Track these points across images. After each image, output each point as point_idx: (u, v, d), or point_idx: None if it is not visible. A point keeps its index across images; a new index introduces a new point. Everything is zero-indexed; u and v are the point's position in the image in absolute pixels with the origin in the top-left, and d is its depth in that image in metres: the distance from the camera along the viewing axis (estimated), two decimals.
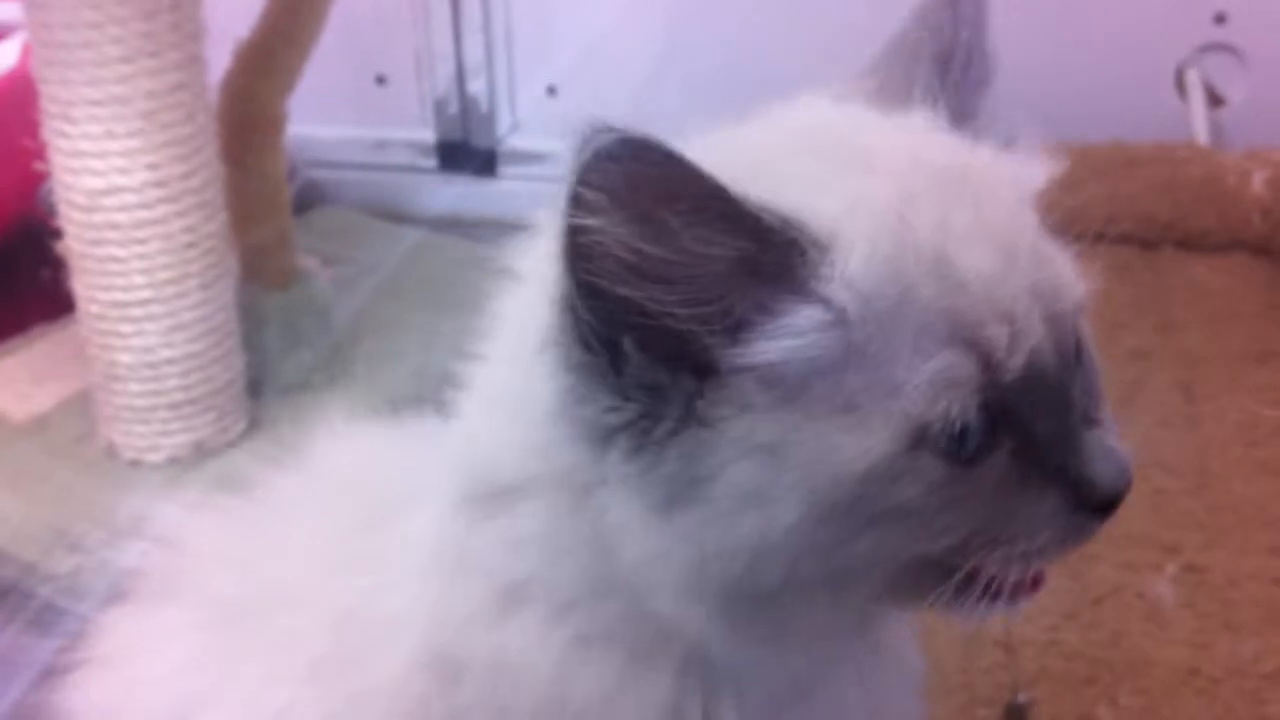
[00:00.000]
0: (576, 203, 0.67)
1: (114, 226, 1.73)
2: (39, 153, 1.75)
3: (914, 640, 0.93)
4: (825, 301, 0.71)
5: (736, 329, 0.71)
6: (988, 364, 0.73)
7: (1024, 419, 0.75)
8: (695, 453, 0.72)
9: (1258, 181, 2.22)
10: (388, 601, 0.85)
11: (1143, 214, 2.24)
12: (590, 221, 0.67)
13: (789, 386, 0.72)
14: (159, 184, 1.72)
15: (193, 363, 1.81)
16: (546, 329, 0.73)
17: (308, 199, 2.50)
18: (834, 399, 0.72)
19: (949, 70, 0.84)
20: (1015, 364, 0.73)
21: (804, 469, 0.72)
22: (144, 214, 1.73)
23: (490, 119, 2.67)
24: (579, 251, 0.69)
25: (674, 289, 0.70)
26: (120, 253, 1.74)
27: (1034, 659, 1.45)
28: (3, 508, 1.76)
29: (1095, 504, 0.77)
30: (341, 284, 2.24)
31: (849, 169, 0.75)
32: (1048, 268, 0.78)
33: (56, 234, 1.79)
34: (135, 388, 1.80)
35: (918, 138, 0.80)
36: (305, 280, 2.16)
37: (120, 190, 1.72)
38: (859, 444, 0.71)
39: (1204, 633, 1.48)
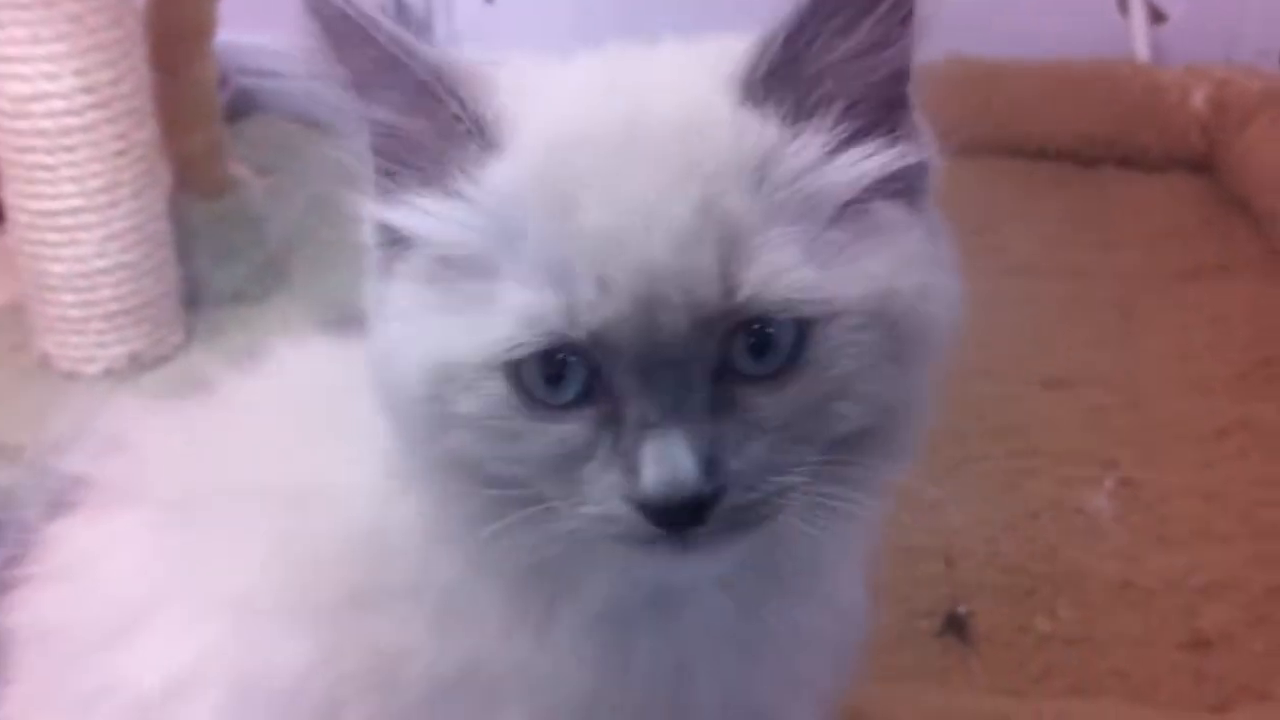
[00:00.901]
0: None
1: (42, 133, 1.69)
2: None
3: (857, 578, 0.91)
4: (467, 198, 0.75)
5: (418, 187, 0.77)
6: (572, 320, 0.72)
7: (611, 392, 0.73)
8: (381, 292, 0.79)
9: (1198, 98, 2.23)
10: (343, 474, 0.86)
11: (1082, 131, 2.25)
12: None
13: (431, 265, 0.76)
14: (87, 90, 1.69)
15: (126, 273, 1.78)
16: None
17: (240, 108, 2.45)
18: (453, 294, 0.75)
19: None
20: (590, 327, 0.71)
21: (423, 345, 0.76)
22: (72, 120, 1.69)
23: (428, 27, 2.62)
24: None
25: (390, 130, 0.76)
26: (49, 160, 1.71)
27: (973, 571, 1.47)
28: None
29: (639, 502, 0.72)
30: (275, 194, 2.20)
31: (564, 97, 0.77)
32: (674, 255, 0.70)
33: None
34: (69, 298, 1.78)
35: (664, 91, 0.75)
36: (238, 190, 2.12)
37: (47, 96, 1.68)
38: (454, 342, 0.75)
39: (1138, 546, 1.51)
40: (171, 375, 1.81)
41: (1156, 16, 2.43)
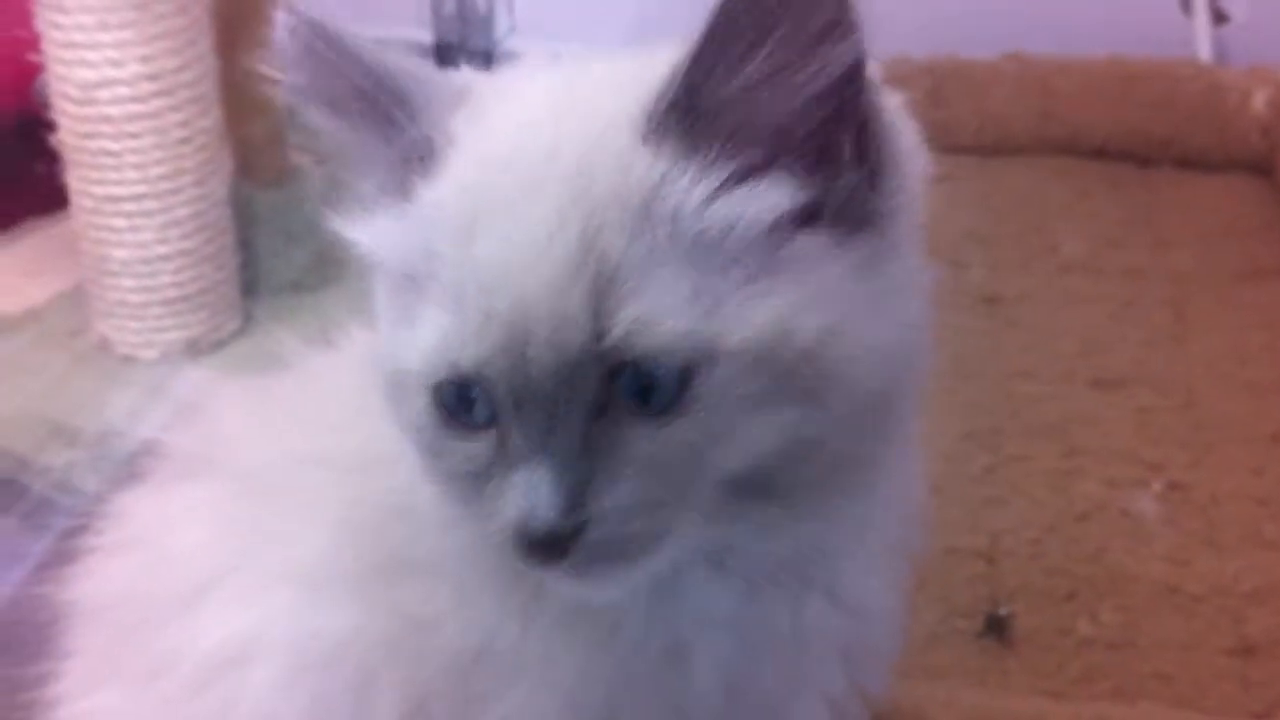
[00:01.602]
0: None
1: (107, 120, 1.72)
2: (34, 44, 1.74)
3: (877, 582, 0.89)
4: (406, 217, 0.76)
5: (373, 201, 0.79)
6: (462, 350, 0.73)
7: (501, 420, 0.74)
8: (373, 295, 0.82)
9: (1258, 100, 2.20)
10: (389, 445, 0.86)
11: (1141, 131, 2.23)
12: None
13: (390, 277, 0.78)
14: (152, 77, 1.71)
15: (186, 259, 1.81)
16: None
17: None
18: (400, 308, 0.77)
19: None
20: (474, 358, 0.72)
21: (383, 353, 0.79)
22: (137, 107, 1.72)
23: (488, 21, 2.64)
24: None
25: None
26: (114, 146, 1.74)
27: (1015, 572, 1.47)
28: None
29: (505, 531, 0.73)
30: (335, 184, 2.22)
31: (501, 121, 0.77)
32: (547, 294, 0.70)
33: (51, 127, 1.78)
34: (129, 283, 1.80)
35: (580, 119, 0.75)
36: (299, 179, 2.15)
37: (113, 83, 1.71)
38: (399, 355, 0.77)
39: (1186, 550, 1.49)
40: (227, 361, 1.84)
41: (1219, 17, 2.40)
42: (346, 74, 0.77)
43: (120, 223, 1.77)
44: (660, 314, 0.70)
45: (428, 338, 0.74)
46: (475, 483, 0.76)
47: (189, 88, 1.76)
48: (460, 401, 0.75)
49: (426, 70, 0.81)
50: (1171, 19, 2.41)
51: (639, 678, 0.84)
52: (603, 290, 0.70)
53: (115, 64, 1.70)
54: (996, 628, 1.40)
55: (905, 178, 0.76)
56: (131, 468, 1.01)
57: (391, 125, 0.78)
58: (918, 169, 0.78)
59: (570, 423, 0.72)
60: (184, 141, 1.77)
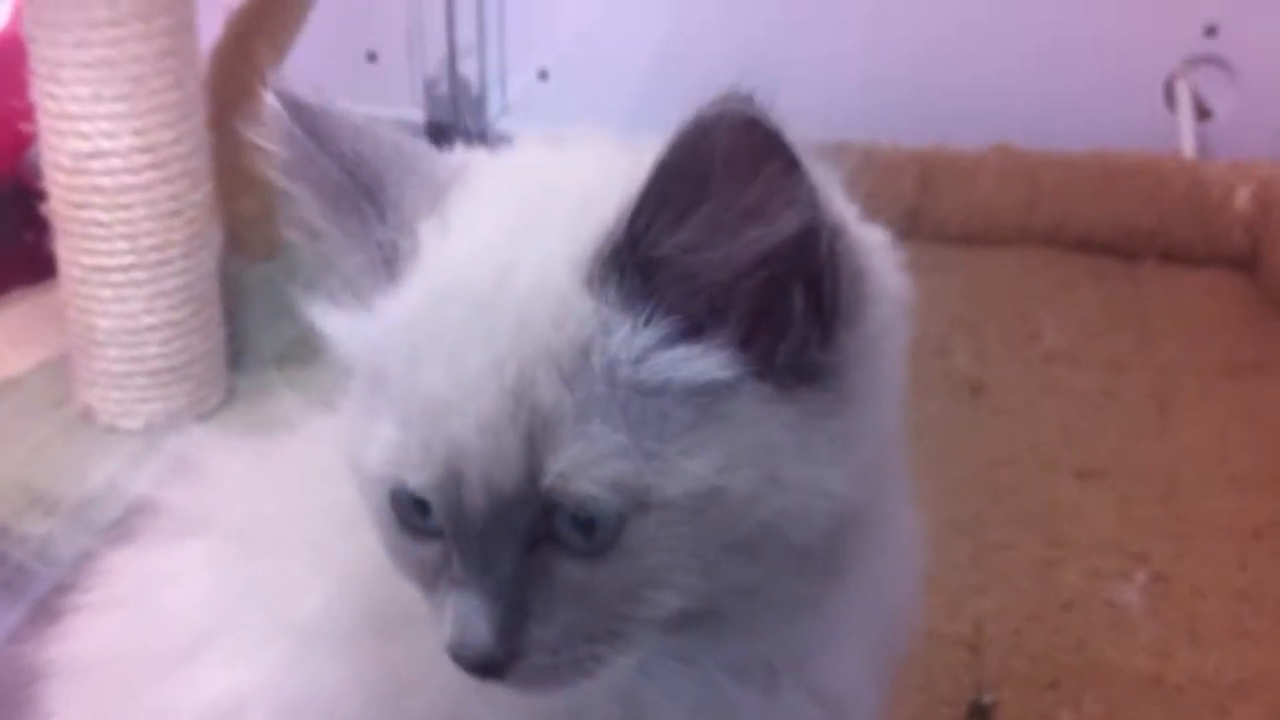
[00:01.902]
0: None
1: (99, 190, 1.73)
2: (27, 114, 1.75)
3: (853, 673, 0.88)
4: (365, 322, 0.76)
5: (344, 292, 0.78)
6: (406, 473, 0.74)
7: (445, 538, 0.75)
8: None
9: (1242, 196, 2.23)
10: None
11: (1125, 224, 2.26)
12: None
13: (360, 377, 0.78)
14: (145, 149, 1.72)
15: (173, 330, 1.81)
16: None
17: None
18: (363, 403, 0.77)
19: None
20: (415, 484, 0.73)
21: (347, 440, 0.79)
22: (129, 179, 1.73)
23: (481, 101, 2.66)
24: None
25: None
26: (104, 217, 1.74)
27: (999, 660, 1.46)
28: None
29: (441, 640, 0.74)
30: (326, 259, 2.23)
31: (460, 237, 0.76)
32: (479, 436, 0.70)
33: (41, 196, 1.78)
34: (114, 353, 1.80)
35: (534, 250, 0.73)
36: (289, 254, 2.16)
37: (106, 154, 1.72)
38: (358, 449, 0.77)
39: (1169, 642, 1.49)
40: (211, 434, 1.83)
41: (1203, 113, 2.44)
42: (324, 161, 0.77)
43: (107, 293, 1.77)
44: (592, 461, 0.69)
45: (381, 449, 0.74)
46: (426, 583, 0.77)
47: (182, 160, 1.77)
48: (415, 507, 0.75)
49: (413, 156, 0.80)
50: (1155, 114, 2.44)
51: None
52: (536, 435, 0.70)
53: (109, 135, 1.71)
54: (980, 716, 1.39)
55: (868, 324, 0.74)
56: (116, 530, 1.00)
57: (363, 222, 0.77)
58: (886, 312, 0.76)
59: (504, 555, 0.72)
60: (174, 214, 1.77)
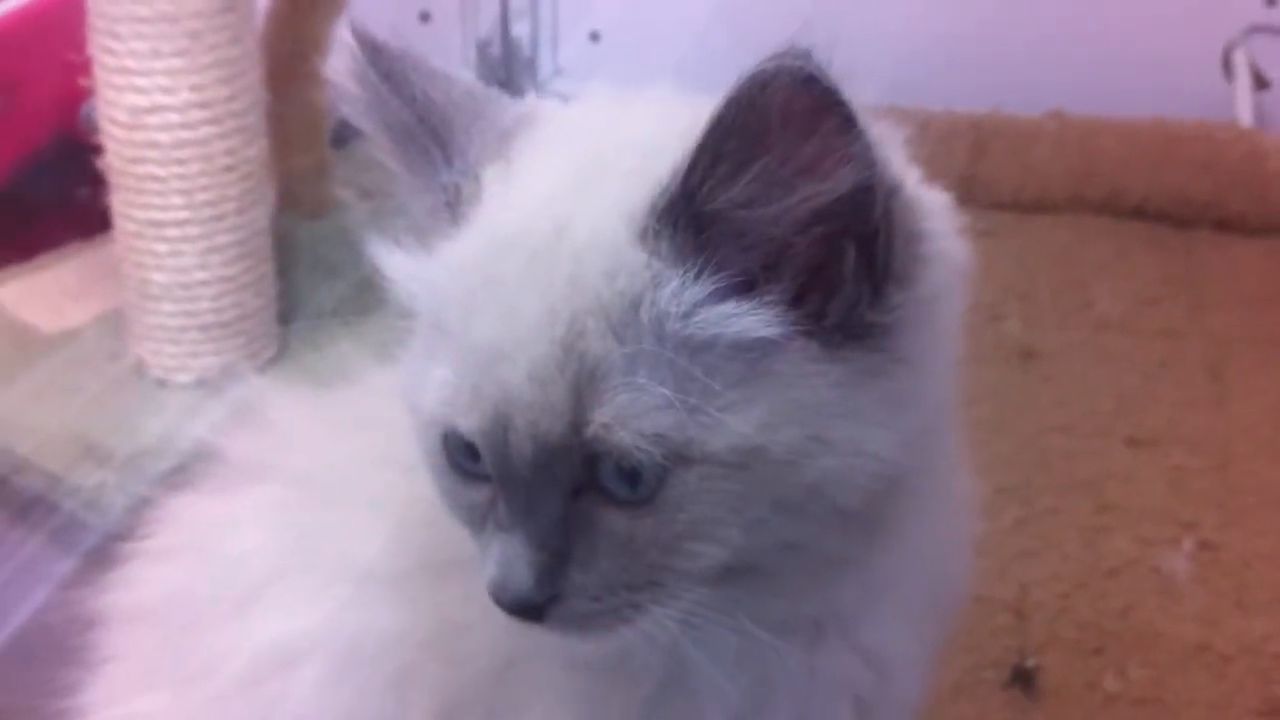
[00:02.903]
0: None
1: (154, 145, 1.74)
2: (84, 68, 1.76)
3: (901, 630, 0.88)
4: (427, 267, 0.77)
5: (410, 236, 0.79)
6: (457, 417, 0.75)
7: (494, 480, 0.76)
8: None
9: None
10: None
11: (1180, 192, 2.23)
12: None
13: (421, 319, 0.79)
14: (202, 104, 1.73)
15: (226, 286, 1.82)
16: None
17: (348, 132, 2.49)
18: (422, 346, 0.78)
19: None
20: (466, 428, 0.74)
21: (406, 381, 0.80)
22: (185, 134, 1.74)
23: (532, 63, 2.66)
24: None
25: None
26: (160, 172, 1.75)
27: (1044, 625, 1.46)
28: (30, 418, 1.78)
29: (485, 582, 0.75)
30: (376, 218, 2.24)
31: (521, 188, 0.77)
32: (528, 385, 0.71)
33: (97, 151, 1.80)
34: (168, 307, 1.82)
35: (592, 203, 0.74)
36: (341, 211, 2.17)
37: (163, 109, 1.73)
38: (416, 391, 0.78)
39: (1216, 610, 1.49)
40: (247, 400, 1.85)
41: (1260, 82, 2.41)
42: (395, 103, 0.78)
43: (162, 247, 1.79)
44: (637, 414, 0.70)
45: (436, 391, 0.75)
46: (474, 525, 0.78)
47: (237, 117, 1.78)
48: (466, 451, 0.76)
49: (484, 102, 0.81)
50: (1213, 83, 2.42)
51: (646, 708, 0.84)
52: (583, 386, 0.70)
53: (166, 91, 1.72)
54: (1023, 679, 1.39)
55: (922, 285, 0.73)
56: (175, 478, 1.01)
57: (430, 165, 0.78)
58: (942, 275, 0.75)
59: (548, 502, 0.73)
60: (229, 169, 1.78)
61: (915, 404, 0.75)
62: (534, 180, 0.76)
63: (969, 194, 2.26)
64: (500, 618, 0.76)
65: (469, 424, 0.74)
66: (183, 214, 1.77)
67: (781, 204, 0.69)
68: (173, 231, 1.78)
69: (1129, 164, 2.26)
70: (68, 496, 1.69)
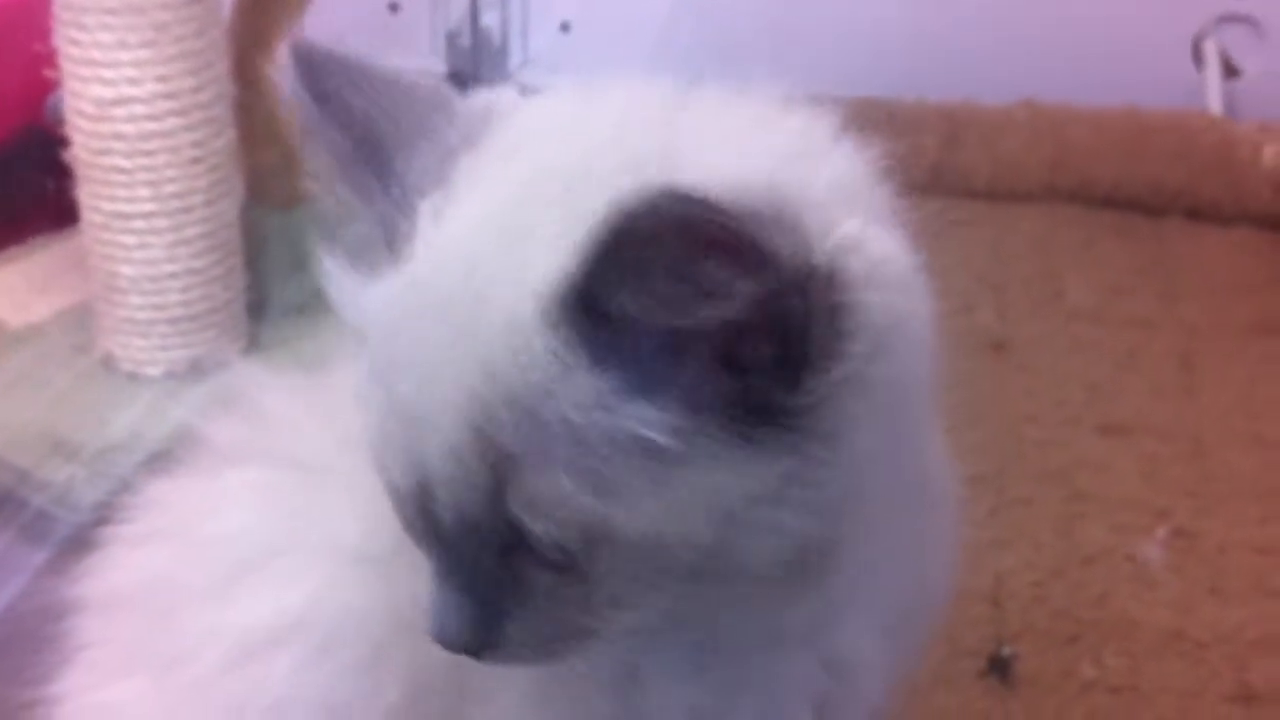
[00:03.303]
0: None
1: (120, 137, 1.72)
2: (50, 59, 1.74)
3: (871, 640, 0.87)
4: (364, 296, 0.75)
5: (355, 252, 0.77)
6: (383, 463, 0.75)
7: None
8: None
9: (1269, 154, 2.21)
10: None
11: (1152, 181, 2.24)
12: None
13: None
14: (168, 96, 1.71)
15: (194, 278, 1.80)
16: None
17: None
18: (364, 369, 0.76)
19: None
20: (390, 478, 0.75)
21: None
22: (152, 125, 1.72)
23: (502, 53, 2.65)
24: None
25: None
26: (126, 164, 1.73)
27: (1020, 614, 1.46)
28: None
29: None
30: (346, 211, 2.22)
31: (450, 233, 0.73)
32: (445, 462, 0.70)
33: (63, 143, 1.78)
34: (136, 300, 1.80)
35: (507, 274, 0.69)
36: (310, 204, 2.15)
37: (129, 100, 1.71)
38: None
39: (1191, 597, 1.49)
40: (230, 384, 1.83)
41: (1230, 71, 2.42)
42: (332, 126, 0.75)
43: (130, 240, 1.77)
44: (551, 502, 0.69)
45: (368, 432, 0.75)
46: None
47: (204, 108, 1.76)
48: (396, 494, 0.76)
49: (430, 112, 0.77)
50: (1183, 72, 2.42)
51: (611, 693, 0.83)
52: (499, 468, 0.69)
53: (132, 82, 1.70)
54: (1000, 668, 1.39)
55: (845, 361, 0.69)
56: (155, 466, 1.00)
57: (369, 193, 0.76)
58: (877, 338, 0.70)
59: (479, 558, 0.73)
60: (197, 161, 1.76)
61: (839, 471, 0.72)
62: (461, 223, 0.72)
63: (939, 183, 2.29)
64: None
65: (393, 479, 0.74)
66: (150, 206, 1.75)
67: (680, 319, 0.66)
68: (140, 224, 1.76)
69: (1100, 153, 2.26)
70: (37, 491, 1.67)
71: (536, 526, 0.70)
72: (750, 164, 0.70)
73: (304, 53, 0.76)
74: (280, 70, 2.04)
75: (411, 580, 0.84)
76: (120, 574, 0.97)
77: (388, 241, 0.74)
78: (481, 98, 0.80)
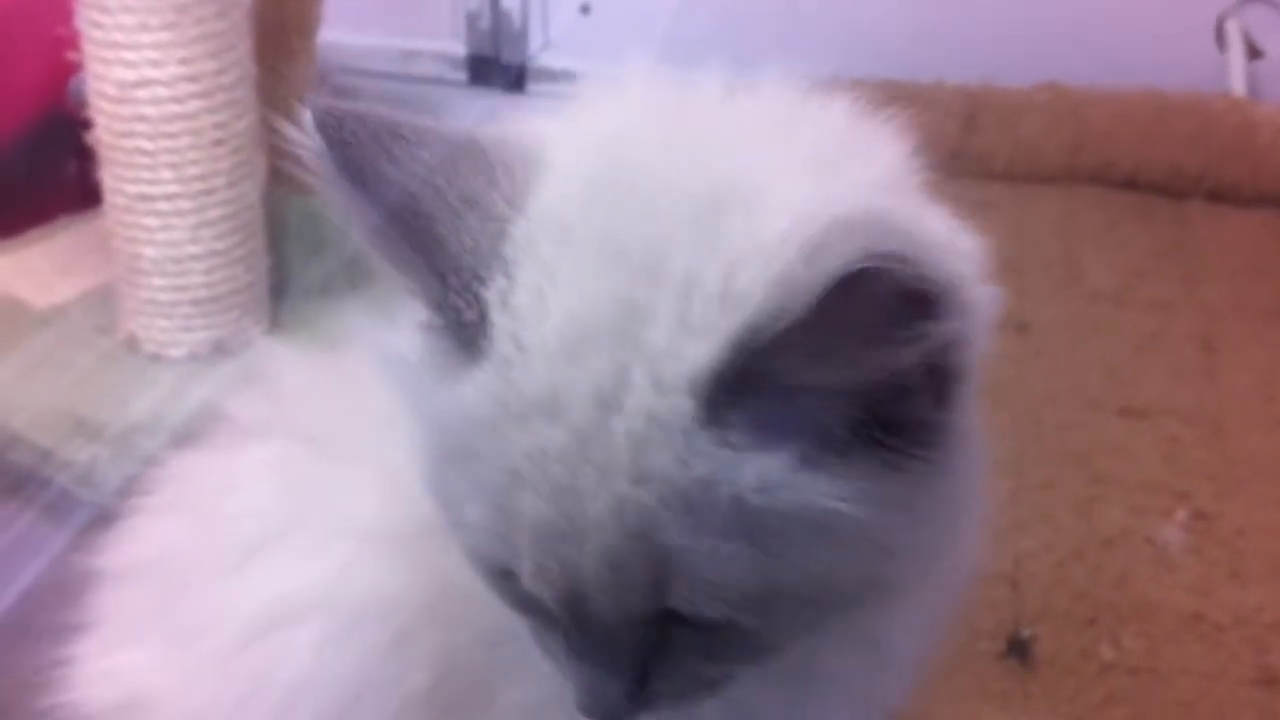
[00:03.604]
0: None
1: (143, 119, 1.73)
2: (72, 42, 1.75)
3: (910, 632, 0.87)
4: (452, 394, 0.69)
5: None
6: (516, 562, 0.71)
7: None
8: None
9: None
10: None
11: (1173, 164, 2.23)
12: None
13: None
14: (191, 78, 1.72)
15: (217, 260, 1.81)
16: None
17: None
18: (444, 456, 0.73)
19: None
20: (529, 587, 0.71)
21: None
22: (174, 108, 1.73)
23: (522, 35, 2.65)
24: None
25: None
26: (149, 146, 1.74)
27: (1039, 596, 1.46)
28: (21, 394, 1.77)
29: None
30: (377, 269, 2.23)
31: (550, 320, 0.67)
32: (602, 571, 0.67)
33: (86, 125, 1.79)
34: (159, 282, 1.81)
35: (639, 374, 0.65)
36: None
37: (151, 83, 1.71)
38: (450, 512, 0.73)
39: (1210, 580, 1.49)
40: (253, 362, 1.84)
41: (1254, 53, 2.40)
42: (373, 192, 0.68)
43: (152, 221, 1.78)
44: (718, 586, 0.66)
45: (478, 535, 0.71)
46: (538, 633, 0.76)
47: (226, 90, 1.77)
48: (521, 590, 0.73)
49: (470, 177, 0.70)
50: (1205, 53, 2.41)
51: None
52: (661, 567, 0.66)
53: (155, 64, 1.71)
54: (1019, 650, 1.40)
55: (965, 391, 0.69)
56: (179, 442, 1.01)
57: (417, 275, 0.69)
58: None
59: (629, 638, 0.71)
60: (219, 143, 1.77)
61: (961, 478, 0.73)
62: (554, 319, 0.67)
63: (960, 166, 2.29)
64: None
65: (537, 590, 0.70)
66: (173, 188, 1.76)
67: (865, 378, 0.64)
68: (163, 205, 1.77)
69: (1121, 135, 2.25)
70: (60, 471, 1.69)
71: (703, 610, 0.67)
72: (854, 195, 0.68)
73: (328, 121, 0.68)
74: (310, 51, 2.05)
75: (435, 561, 0.84)
76: (136, 546, 0.97)
77: (455, 333, 0.69)
78: (508, 142, 0.73)
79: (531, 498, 0.67)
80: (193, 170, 1.76)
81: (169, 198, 1.76)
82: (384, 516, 0.87)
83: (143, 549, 0.97)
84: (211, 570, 0.91)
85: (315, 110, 0.68)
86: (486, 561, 0.73)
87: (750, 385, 0.63)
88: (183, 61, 1.71)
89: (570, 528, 0.67)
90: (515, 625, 0.82)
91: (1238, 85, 2.37)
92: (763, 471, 0.64)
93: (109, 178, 1.79)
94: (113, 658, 0.96)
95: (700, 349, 0.64)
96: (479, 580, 0.76)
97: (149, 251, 1.79)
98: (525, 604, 0.74)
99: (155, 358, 1.85)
